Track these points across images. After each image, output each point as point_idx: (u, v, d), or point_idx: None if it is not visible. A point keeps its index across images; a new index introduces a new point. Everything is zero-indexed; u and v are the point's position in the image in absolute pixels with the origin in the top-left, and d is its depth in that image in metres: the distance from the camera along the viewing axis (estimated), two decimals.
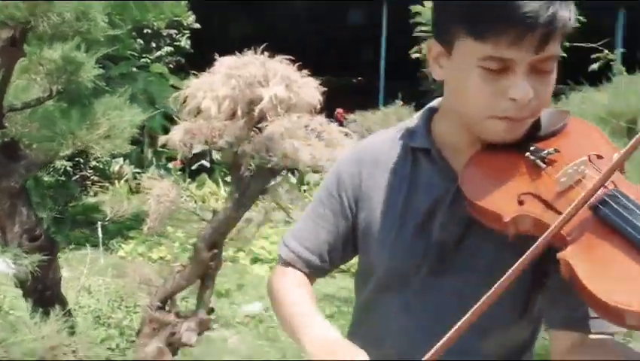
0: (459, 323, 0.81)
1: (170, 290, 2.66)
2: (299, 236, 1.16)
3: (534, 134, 0.94)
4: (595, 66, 4.86)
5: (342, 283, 5.88)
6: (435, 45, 0.97)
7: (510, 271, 0.80)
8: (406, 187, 1.04)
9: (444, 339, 0.80)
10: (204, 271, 2.63)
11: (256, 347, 4.04)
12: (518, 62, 0.86)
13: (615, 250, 0.77)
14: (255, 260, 6.17)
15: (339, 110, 9.06)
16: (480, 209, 0.89)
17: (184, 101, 2.49)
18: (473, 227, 0.95)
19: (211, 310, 2.74)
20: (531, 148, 0.92)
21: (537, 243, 0.80)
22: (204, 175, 8.09)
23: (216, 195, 7.83)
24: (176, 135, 2.62)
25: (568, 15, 0.87)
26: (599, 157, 0.87)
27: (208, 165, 8.00)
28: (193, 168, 8.03)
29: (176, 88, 8.57)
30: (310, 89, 2.37)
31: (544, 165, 0.90)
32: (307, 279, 1.15)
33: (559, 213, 0.82)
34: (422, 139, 1.04)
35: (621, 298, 0.72)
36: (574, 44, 5.66)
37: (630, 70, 3.70)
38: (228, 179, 8.60)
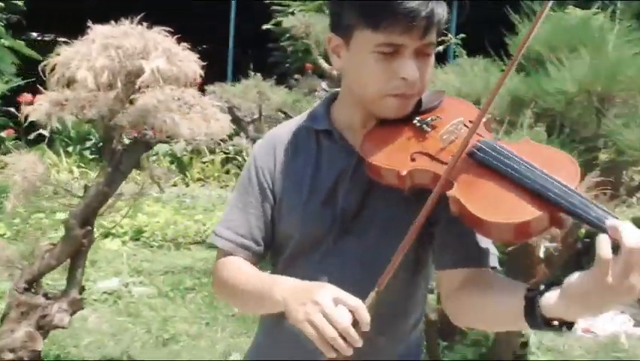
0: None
1: (38, 271, 2.51)
2: (231, 226, 1.23)
3: (418, 109, 1.15)
4: (440, 48, 5.33)
5: (199, 255, 5.88)
6: (334, 38, 1.15)
7: (420, 215, 0.98)
8: (314, 164, 1.19)
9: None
10: (76, 249, 2.52)
11: (118, 324, 3.93)
12: (407, 47, 1.06)
13: (491, 182, 0.97)
14: (107, 235, 5.90)
15: None
16: (380, 169, 1.07)
17: (52, 70, 2.33)
18: (372, 194, 1.13)
19: (82, 289, 2.64)
20: (417, 118, 1.13)
21: (434, 191, 0.98)
22: (43, 145, 7.49)
23: (57, 166, 7.31)
24: (43, 107, 2.45)
25: (442, 12, 1.08)
26: (471, 121, 1.07)
27: (47, 134, 7.41)
28: (31, 137, 7.39)
29: (13, 51, 7.77)
30: (190, 62, 2.34)
31: (429, 129, 1.11)
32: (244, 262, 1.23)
33: (445, 163, 1.01)
34: (324, 122, 1.20)
35: (506, 216, 0.92)
36: None
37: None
38: (70, 149, 8.07)
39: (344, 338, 0.92)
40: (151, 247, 5.98)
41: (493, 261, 1.10)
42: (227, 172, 8.25)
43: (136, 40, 2.21)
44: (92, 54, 2.16)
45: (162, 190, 2.88)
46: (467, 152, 1.01)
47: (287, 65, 9.23)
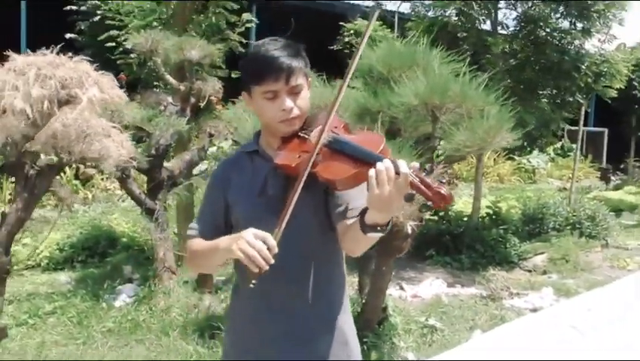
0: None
1: None
2: (197, 220, 1.82)
3: (303, 126, 1.70)
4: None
5: (39, 280, 5.62)
6: (244, 95, 1.73)
7: (295, 185, 1.54)
8: (250, 173, 1.75)
9: None
10: (1, 277, 2.55)
11: None
12: (280, 90, 1.62)
13: (340, 158, 1.54)
14: None
15: None
16: (282, 166, 1.65)
17: None
18: (288, 185, 1.62)
19: None
20: (303, 131, 1.69)
21: (305, 173, 1.55)
22: None
23: None
24: None
25: (299, 63, 1.63)
26: (334, 127, 1.66)
27: None
28: None
29: None
30: (115, 88, 2.55)
31: (307, 136, 1.67)
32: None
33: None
34: (253, 146, 1.79)
35: (345, 172, 1.52)
36: (254, 42, 6.56)
37: None
38: None
39: (262, 257, 1.43)
40: None
41: (351, 213, 1.63)
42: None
43: (69, 71, 2.36)
44: (30, 84, 2.26)
45: (70, 210, 2.94)
46: (324, 144, 1.58)
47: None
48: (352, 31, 12.14)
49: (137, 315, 4.54)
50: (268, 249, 1.45)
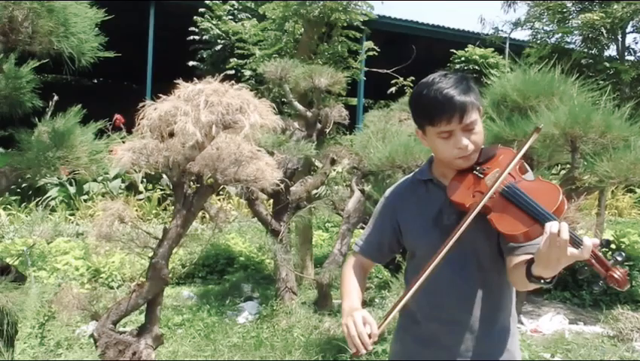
0: (417, 283, 1.58)
1: (125, 311, 2.69)
2: (362, 237, 1.93)
3: (478, 161, 1.72)
4: (393, 89, 5.93)
5: (165, 293, 5.96)
6: (418, 132, 1.77)
7: (455, 231, 1.58)
8: (425, 200, 1.79)
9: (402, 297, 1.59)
10: (162, 288, 2.73)
11: None
12: (454, 129, 1.63)
13: (513, 211, 1.55)
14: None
15: (118, 116, 8.79)
16: (456, 203, 1.68)
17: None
18: (462, 218, 1.64)
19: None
20: (477, 168, 1.71)
21: (472, 212, 1.59)
22: None
23: None
24: (126, 156, 2.66)
25: (470, 99, 1.63)
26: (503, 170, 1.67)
27: None
28: None
29: None
30: (270, 114, 2.69)
31: (482, 175, 1.69)
32: (364, 261, 1.90)
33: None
34: (427, 174, 1.82)
35: (517, 228, 1.52)
36: (372, 70, 6.75)
37: None
38: None
39: (361, 341, 1.51)
40: (111, 288, 5.96)
41: (520, 251, 1.63)
42: (165, 209, 8.28)
43: (234, 99, 2.52)
44: (200, 110, 2.44)
45: (220, 230, 3.12)
46: (499, 191, 1.60)
47: None
48: (463, 58, 12.02)
49: (260, 333, 4.70)
50: (370, 336, 1.52)
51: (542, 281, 1.45)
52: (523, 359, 4.03)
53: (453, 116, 1.60)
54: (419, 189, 1.81)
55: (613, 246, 1.59)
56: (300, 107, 5.08)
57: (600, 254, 1.39)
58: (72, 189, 8.34)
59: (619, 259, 1.39)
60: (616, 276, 1.36)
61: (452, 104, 1.59)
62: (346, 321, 1.56)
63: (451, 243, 1.57)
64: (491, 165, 1.69)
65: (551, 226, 1.37)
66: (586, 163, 3.37)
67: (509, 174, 1.62)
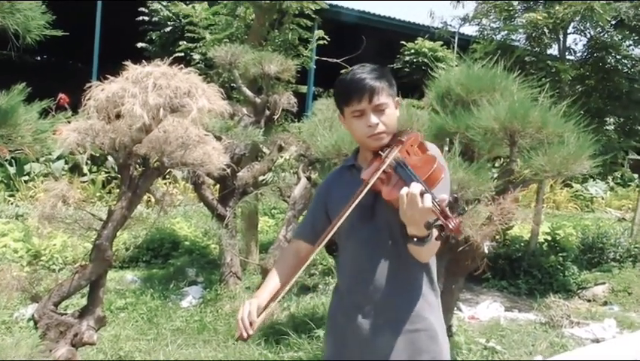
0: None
1: (67, 292, 2.67)
2: (300, 223, 2.12)
3: (389, 144, 1.86)
4: None
5: (108, 276, 5.86)
6: (339, 116, 1.95)
7: (350, 203, 1.77)
8: (349, 185, 1.90)
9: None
10: (105, 269, 2.72)
11: None
12: (365, 109, 1.82)
13: (400, 183, 1.71)
14: None
15: (62, 95, 8.53)
16: (364, 181, 1.80)
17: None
18: (377, 196, 1.82)
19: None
20: (383, 149, 1.85)
21: (366, 186, 1.76)
22: None
23: None
24: (72, 137, 2.63)
25: (380, 84, 1.82)
26: (411, 144, 1.85)
27: None
28: None
29: None
30: (218, 99, 2.70)
31: (382, 154, 1.83)
32: (300, 246, 2.01)
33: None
34: (352, 161, 2.01)
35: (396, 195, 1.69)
36: (322, 58, 6.77)
37: None
38: None
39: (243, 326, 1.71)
40: (52, 271, 5.83)
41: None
42: (109, 192, 8.12)
43: (182, 82, 2.52)
44: (148, 92, 2.43)
45: (166, 212, 3.11)
46: (393, 166, 1.77)
47: None
48: (412, 51, 12.21)
49: (203, 317, 4.71)
50: (251, 323, 1.72)
51: (415, 240, 1.66)
52: (460, 343, 4.20)
53: (363, 95, 1.79)
54: (345, 175, 1.99)
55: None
56: (248, 93, 5.09)
57: (444, 207, 1.62)
58: (12, 170, 8.07)
59: (462, 213, 1.66)
60: (450, 226, 1.58)
61: (363, 85, 1.80)
62: (242, 306, 1.75)
63: (347, 214, 1.75)
64: (394, 145, 1.85)
65: (405, 190, 1.63)
66: (524, 157, 3.52)
67: (406, 151, 1.81)
